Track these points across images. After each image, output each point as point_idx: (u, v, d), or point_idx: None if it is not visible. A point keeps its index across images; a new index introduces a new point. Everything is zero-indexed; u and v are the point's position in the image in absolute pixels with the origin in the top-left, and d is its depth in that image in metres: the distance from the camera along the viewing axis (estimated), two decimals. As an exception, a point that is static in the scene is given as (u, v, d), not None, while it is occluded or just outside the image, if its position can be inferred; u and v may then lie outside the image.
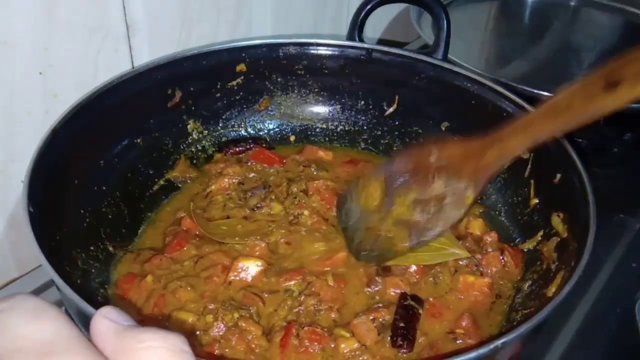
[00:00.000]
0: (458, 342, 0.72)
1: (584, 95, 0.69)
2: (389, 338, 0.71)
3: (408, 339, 0.71)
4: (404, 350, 0.70)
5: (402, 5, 1.35)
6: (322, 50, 0.98)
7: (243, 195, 0.89)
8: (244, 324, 0.70)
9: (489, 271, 0.80)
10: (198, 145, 0.97)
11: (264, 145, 0.99)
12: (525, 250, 0.82)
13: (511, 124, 0.73)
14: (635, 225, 1.00)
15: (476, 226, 0.86)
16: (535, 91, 0.97)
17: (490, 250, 0.82)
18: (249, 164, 0.95)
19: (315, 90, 1.01)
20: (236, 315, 0.71)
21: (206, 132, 0.98)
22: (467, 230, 0.86)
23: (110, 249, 0.81)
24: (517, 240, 0.84)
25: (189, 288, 0.75)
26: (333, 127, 1.03)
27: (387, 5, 1.01)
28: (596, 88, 0.67)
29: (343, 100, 1.02)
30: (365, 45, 0.97)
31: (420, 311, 0.75)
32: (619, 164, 1.13)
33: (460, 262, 0.80)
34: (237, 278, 0.77)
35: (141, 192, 0.89)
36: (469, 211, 0.77)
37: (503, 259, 0.80)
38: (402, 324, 0.72)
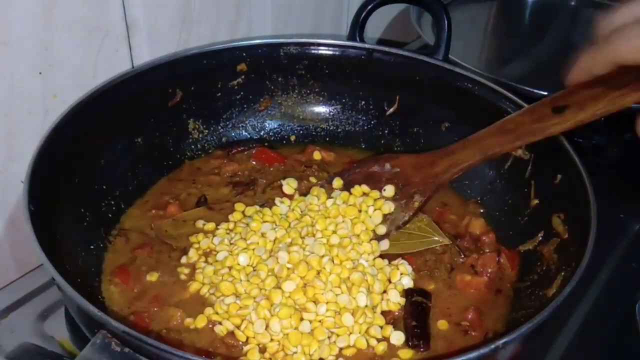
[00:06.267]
0: (470, 333, 0.73)
1: (533, 116, 0.79)
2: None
3: (423, 337, 0.71)
4: (422, 349, 0.70)
5: (402, 5, 1.35)
6: (323, 50, 0.98)
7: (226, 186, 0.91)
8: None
9: (484, 271, 0.80)
10: (199, 145, 0.97)
11: (266, 145, 0.99)
12: (525, 250, 0.82)
13: (463, 140, 0.83)
14: (635, 225, 1.00)
15: (477, 226, 0.86)
16: (535, 91, 0.97)
17: (487, 250, 0.83)
18: (249, 162, 0.96)
19: (316, 90, 1.01)
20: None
21: (207, 131, 0.98)
22: (467, 229, 0.86)
23: (110, 246, 0.81)
24: (517, 241, 0.84)
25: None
26: (334, 127, 1.03)
27: (387, 5, 1.01)
28: (545, 110, 0.78)
29: (344, 101, 1.02)
30: (366, 46, 0.97)
31: (430, 304, 0.75)
32: (619, 164, 1.13)
33: (460, 260, 0.81)
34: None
35: (142, 191, 0.89)
36: (417, 213, 0.84)
37: (499, 260, 0.81)
38: (414, 323, 0.72)
